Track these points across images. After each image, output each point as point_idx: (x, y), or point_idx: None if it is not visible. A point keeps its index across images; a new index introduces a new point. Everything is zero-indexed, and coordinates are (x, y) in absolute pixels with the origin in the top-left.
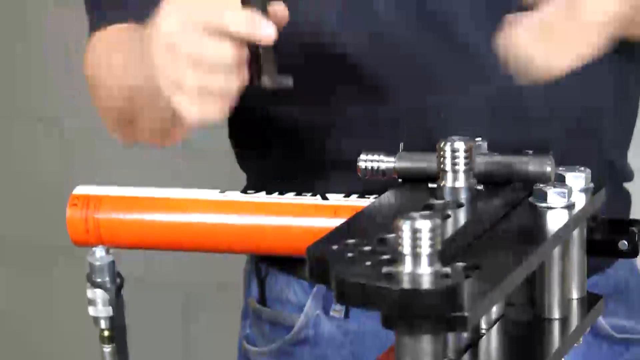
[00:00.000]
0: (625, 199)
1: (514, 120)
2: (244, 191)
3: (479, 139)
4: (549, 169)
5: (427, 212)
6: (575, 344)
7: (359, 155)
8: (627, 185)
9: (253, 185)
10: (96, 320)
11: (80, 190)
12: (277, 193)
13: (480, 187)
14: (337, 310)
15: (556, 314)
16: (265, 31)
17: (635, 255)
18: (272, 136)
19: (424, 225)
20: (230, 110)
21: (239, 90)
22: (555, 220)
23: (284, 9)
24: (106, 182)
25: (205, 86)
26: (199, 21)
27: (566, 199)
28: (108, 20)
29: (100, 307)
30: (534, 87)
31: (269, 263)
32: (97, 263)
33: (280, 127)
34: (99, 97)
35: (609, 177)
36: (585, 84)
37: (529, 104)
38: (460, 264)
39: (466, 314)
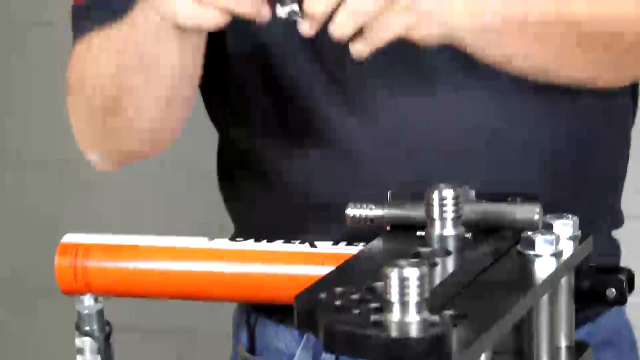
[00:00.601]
0: (614, 245)
1: (501, 166)
2: (232, 239)
3: (467, 186)
4: (536, 216)
5: (415, 260)
6: None
7: (347, 203)
8: (616, 231)
9: (241, 232)
10: None
11: (68, 238)
12: (265, 241)
13: (468, 235)
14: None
15: None
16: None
17: (624, 303)
18: (260, 183)
19: (412, 273)
20: (226, 19)
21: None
22: (543, 268)
23: None
24: (96, 228)
25: None
26: None
27: (554, 246)
28: (89, 30)
29: (88, 355)
30: (520, 132)
31: (258, 311)
32: (86, 311)
33: (268, 175)
34: (83, 100)
35: (598, 224)
36: (574, 129)
37: (515, 148)
38: (448, 312)
39: None
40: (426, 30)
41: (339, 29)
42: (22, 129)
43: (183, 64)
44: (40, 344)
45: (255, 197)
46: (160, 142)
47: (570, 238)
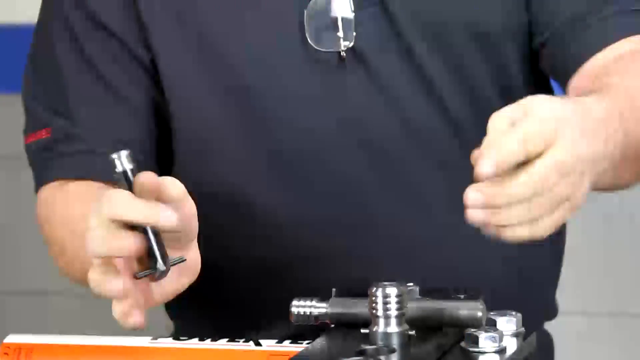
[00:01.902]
0: (548, 339)
1: (443, 262)
2: (176, 337)
3: (411, 284)
4: (480, 313)
5: (359, 358)
6: None
7: (291, 301)
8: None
9: (181, 330)
10: None
11: (11, 339)
12: (209, 339)
13: (412, 332)
14: None
15: None
16: (165, 214)
17: None
18: (201, 282)
19: None
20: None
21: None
22: None
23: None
24: (40, 328)
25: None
26: (104, 216)
27: (497, 343)
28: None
29: None
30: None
31: None
32: None
33: (211, 273)
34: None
35: (534, 317)
36: None
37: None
38: None
39: None
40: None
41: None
42: None
43: None
44: None
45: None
46: None
47: (514, 335)
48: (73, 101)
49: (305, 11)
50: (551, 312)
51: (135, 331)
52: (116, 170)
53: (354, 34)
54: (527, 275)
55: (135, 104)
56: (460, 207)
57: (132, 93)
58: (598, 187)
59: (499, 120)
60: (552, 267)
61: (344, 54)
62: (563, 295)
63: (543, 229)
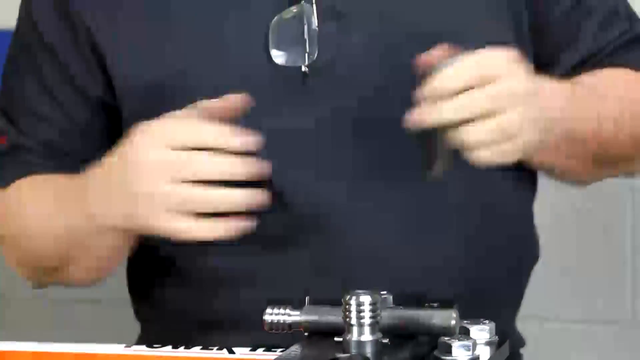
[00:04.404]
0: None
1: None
2: (150, 345)
3: (384, 292)
4: (453, 322)
5: None
6: None
7: (264, 309)
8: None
9: (148, 336)
10: None
11: None
12: (183, 347)
13: (386, 341)
14: None
15: None
16: (238, 140)
17: None
18: (171, 287)
19: None
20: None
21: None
22: None
23: None
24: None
25: (211, 201)
26: (179, 142)
27: (470, 352)
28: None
29: None
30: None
31: None
32: None
33: (180, 279)
34: (14, 253)
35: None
36: (477, 254)
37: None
38: None
39: None
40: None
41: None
42: None
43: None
44: None
45: (170, 299)
46: (109, 269)
47: (487, 343)
48: (24, 113)
49: (269, 25)
50: (516, 342)
51: (108, 338)
52: None
53: (317, 48)
54: (485, 296)
55: (83, 121)
56: (431, 221)
57: (78, 110)
58: (545, 167)
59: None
60: (510, 291)
61: (307, 68)
62: (538, 301)
63: (500, 153)
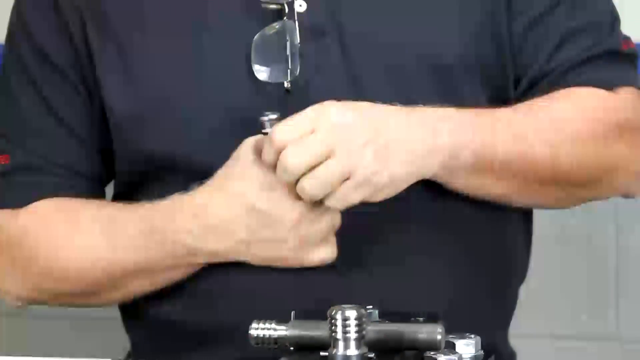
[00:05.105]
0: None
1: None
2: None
3: (370, 306)
4: (439, 337)
5: None
6: None
7: (250, 324)
8: None
9: (138, 351)
10: None
11: None
12: None
13: (371, 355)
14: None
15: None
16: None
17: None
18: (163, 302)
19: None
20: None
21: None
22: None
23: None
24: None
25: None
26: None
27: None
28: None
29: None
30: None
31: None
32: None
33: (172, 293)
34: (27, 277)
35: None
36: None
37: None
38: None
39: None
40: (384, 195)
41: (303, 194)
42: None
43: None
44: None
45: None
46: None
47: (472, 358)
48: (25, 132)
49: (252, 42)
50: (507, 357)
51: (96, 353)
52: (263, 131)
53: (299, 65)
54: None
55: (83, 136)
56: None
57: (79, 125)
58: (457, 187)
59: None
60: (495, 312)
61: (290, 85)
62: (525, 317)
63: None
